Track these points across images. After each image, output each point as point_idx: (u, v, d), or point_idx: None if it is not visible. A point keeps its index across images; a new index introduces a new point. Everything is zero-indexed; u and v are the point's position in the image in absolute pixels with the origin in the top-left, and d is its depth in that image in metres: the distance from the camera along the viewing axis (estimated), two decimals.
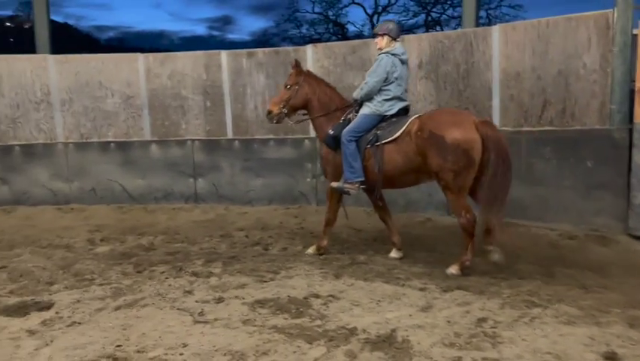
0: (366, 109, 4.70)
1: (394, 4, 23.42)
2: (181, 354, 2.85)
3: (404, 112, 4.76)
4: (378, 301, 3.62)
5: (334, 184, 4.80)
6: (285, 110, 5.04)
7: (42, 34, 7.97)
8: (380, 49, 4.77)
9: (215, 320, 3.31)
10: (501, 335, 3.00)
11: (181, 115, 7.50)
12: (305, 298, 3.68)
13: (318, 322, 3.26)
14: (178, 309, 3.52)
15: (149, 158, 7.48)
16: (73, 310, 3.52)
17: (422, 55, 6.51)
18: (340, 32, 25.08)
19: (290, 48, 7.47)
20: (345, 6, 24.54)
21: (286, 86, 5.09)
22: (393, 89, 4.65)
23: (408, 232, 5.54)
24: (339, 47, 7.11)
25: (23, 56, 7.51)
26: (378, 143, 4.54)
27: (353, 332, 3.10)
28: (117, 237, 5.80)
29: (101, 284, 4.12)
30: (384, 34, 4.75)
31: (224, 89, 7.39)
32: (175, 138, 7.50)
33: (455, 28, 16.93)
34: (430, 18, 23.56)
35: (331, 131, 4.83)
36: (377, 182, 4.62)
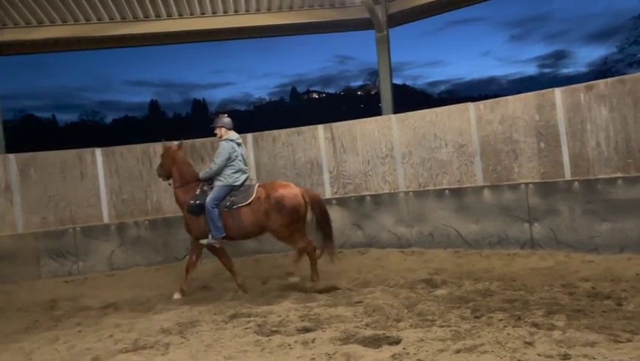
0: (219, 182, 6.21)
1: None
2: None
3: (246, 180, 6.33)
4: None
5: (204, 241, 6.19)
6: (162, 173, 6.69)
7: (386, 98, 9.15)
8: (220, 137, 6.36)
9: None
10: None
11: (513, 159, 7.38)
12: None
13: None
14: (519, 360, 3.39)
15: (482, 203, 7.57)
16: (418, 348, 3.78)
17: None
18: None
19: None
20: None
21: (161, 157, 6.78)
22: (237, 165, 6.24)
23: None
24: None
25: (372, 119, 8.74)
26: (235, 206, 6.08)
27: None
28: (454, 281, 6.00)
29: (442, 326, 4.31)
30: (221, 126, 6.40)
31: (560, 128, 6.96)
32: (507, 183, 7.40)
33: None
34: None
35: (195, 201, 6.19)
36: (234, 235, 6.18)
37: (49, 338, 4.99)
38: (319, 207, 6.29)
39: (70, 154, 8.60)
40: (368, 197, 8.56)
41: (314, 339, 4.20)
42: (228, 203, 6.16)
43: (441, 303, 5.06)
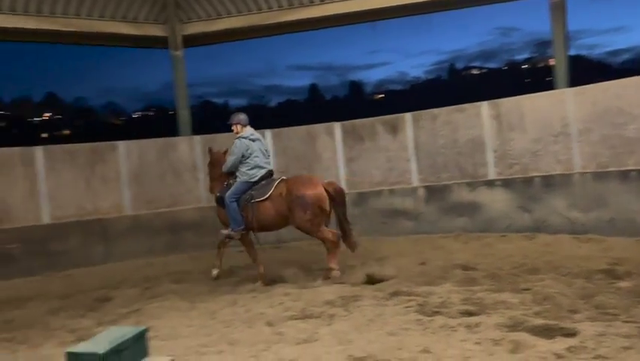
0: (238, 178, 6.40)
1: None
2: None
3: (269, 175, 6.45)
4: None
5: (224, 232, 6.50)
6: (210, 185, 7.06)
7: (560, 70, 8.37)
8: (237, 133, 6.48)
9: None
10: None
11: None
12: None
13: None
14: None
15: None
16: (598, 343, 3.45)
17: None
18: None
19: None
20: None
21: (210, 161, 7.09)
22: (252, 161, 6.34)
23: None
24: None
25: (544, 93, 8.06)
26: (253, 201, 6.24)
27: None
28: None
29: (626, 321, 3.87)
30: (236, 123, 6.52)
31: None
32: None
33: None
34: None
35: (220, 194, 6.51)
36: (253, 228, 6.37)
37: (229, 301, 5.57)
38: (339, 197, 6.28)
39: None
40: (537, 178, 7.96)
41: (478, 323, 4.08)
42: (248, 197, 6.32)
43: (624, 296, 4.54)
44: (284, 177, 6.47)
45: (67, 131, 47.77)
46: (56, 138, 42.41)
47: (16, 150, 8.49)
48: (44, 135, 44.98)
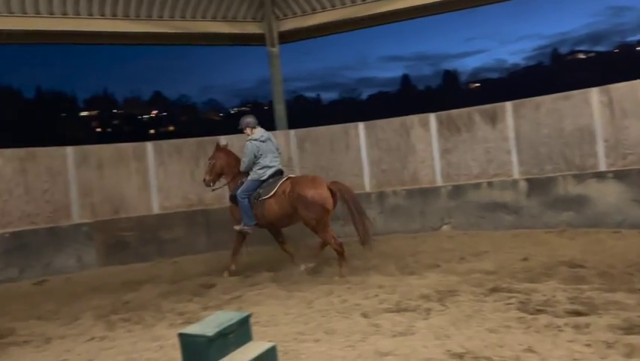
0: (249, 176, 6.84)
1: None
2: None
3: (280, 173, 6.87)
4: None
5: (237, 227, 6.88)
6: (211, 177, 7.19)
7: None
8: (248, 135, 6.92)
9: None
10: None
11: None
12: None
13: None
14: None
15: None
16: None
17: None
18: None
19: None
20: None
21: (209, 160, 7.31)
22: (262, 161, 6.77)
23: None
24: None
25: None
26: (261, 198, 6.66)
27: None
28: None
29: None
30: (246, 126, 6.98)
31: None
32: None
33: None
34: None
35: (233, 192, 6.90)
36: (261, 224, 6.82)
37: (325, 291, 5.68)
38: (349, 197, 6.39)
39: (337, 128, 9.49)
40: None
41: (588, 324, 3.84)
42: (256, 195, 6.71)
43: None
44: (291, 175, 6.84)
45: (171, 128, 50.95)
46: (162, 134, 45.39)
47: (130, 146, 9.21)
48: (152, 131, 48.35)
